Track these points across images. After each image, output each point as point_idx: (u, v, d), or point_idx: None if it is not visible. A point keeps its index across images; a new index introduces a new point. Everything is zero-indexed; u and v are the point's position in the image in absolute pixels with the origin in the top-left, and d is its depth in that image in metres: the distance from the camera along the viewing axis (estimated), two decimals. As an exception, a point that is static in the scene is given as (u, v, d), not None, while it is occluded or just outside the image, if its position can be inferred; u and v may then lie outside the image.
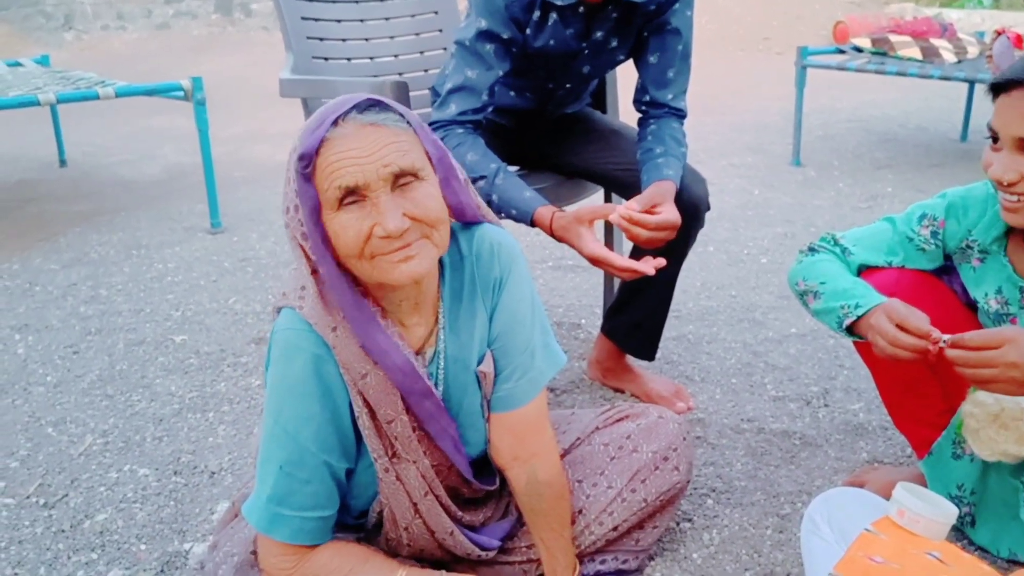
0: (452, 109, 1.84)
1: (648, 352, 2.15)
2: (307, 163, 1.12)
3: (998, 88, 1.34)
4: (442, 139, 1.81)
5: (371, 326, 1.20)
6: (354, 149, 1.11)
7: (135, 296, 2.94)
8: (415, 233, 1.15)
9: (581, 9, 1.84)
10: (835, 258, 1.57)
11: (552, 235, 1.77)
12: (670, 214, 1.72)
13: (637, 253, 1.97)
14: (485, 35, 1.81)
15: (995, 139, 1.35)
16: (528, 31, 1.85)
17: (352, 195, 1.12)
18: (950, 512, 1.28)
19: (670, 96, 1.97)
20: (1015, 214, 1.37)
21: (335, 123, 1.13)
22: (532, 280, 1.39)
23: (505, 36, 1.82)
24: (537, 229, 1.80)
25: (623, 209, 1.70)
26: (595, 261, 1.71)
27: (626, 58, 2.01)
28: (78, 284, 3.05)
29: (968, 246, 1.51)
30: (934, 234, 1.53)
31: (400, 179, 1.14)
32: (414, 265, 1.15)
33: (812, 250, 1.60)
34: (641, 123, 2.01)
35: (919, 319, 1.34)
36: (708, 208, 1.97)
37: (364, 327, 1.20)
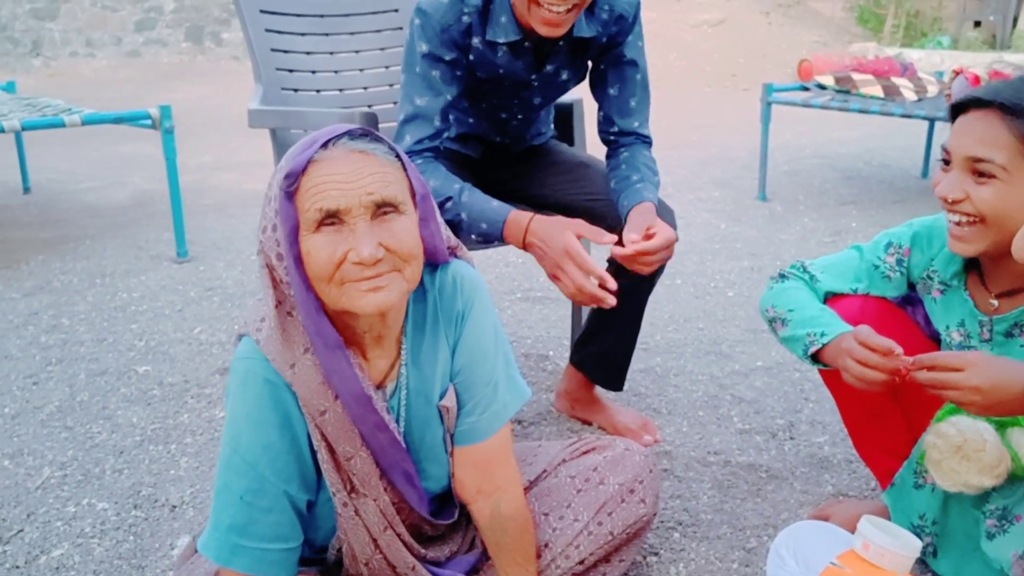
0: (407, 140, 1.83)
1: (616, 383, 2.15)
2: (292, 182, 1.13)
3: (957, 110, 1.37)
4: None
5: (334, 352, 1.19)
6: (340, 173, 1.12)
7: (98, 325, 2.90)
8: (387, 264, 1.15)
9: (527, 44, 1.86)
10: (804, 285, 1.59)
11: (525, 238, 1.71)
12: (665, 231, 1.70)
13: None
14: (429, 58, 1.81)
15: (947, 161, 1.39)
16: (471, 57, 1.85)
17: (331, 218, 1.13)
18: (914, 545, 1.29)
19: (636, 124, 1.99)
20: (960, 242, 1.39)
21: (324, 146, 1.13)
22: (495, 312, 1.39)
23: (448, 58, 1.81)
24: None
25: (628, 247, 1.67)
26: (568, 253, 1.63)
27: (576, 84, 2.04)
28: (39, 313, 3.00)
29: (929, 276, 1.54)
30: (899, 262, 1.56)
31: (380, 209, 1.15)
32: (382, 296, 1.15)
33: (782, 277, 1.62)
34: (611, 153, 2.01)
35: (888, 341, 1.35)
36: (676, 239, 1.98)
37: (327, 352, 1.19)
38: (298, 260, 1.15)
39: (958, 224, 1.38)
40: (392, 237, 1.15)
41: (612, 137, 2.01)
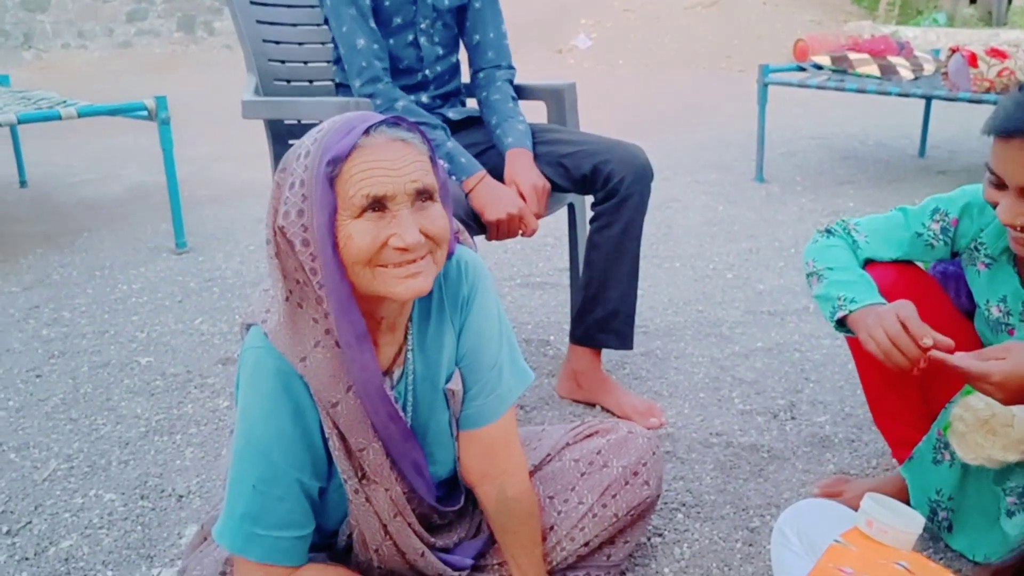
0: (360, 43, 2.06)
1: (627, 339, 2.16)
2: (335, 167, 1.13)
3: (1005, 132, 1.30)
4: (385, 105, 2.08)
5: (361, 342, 1.20)
6: (386, 160, 1.13)
7: (99, 318, 2.90)
8: (424, 249, 1.17)
9: None
10: (846, 246, 1.58)
11: (476, 186, 2.03)
12: (525, 183, 2.06)
13: (591, 246, 2.12)
14: None
15: (999, 184, 1.33)
16: None
17: (376, 204, 1.14)
18: (917, 521, 1.30)
19: (492, 34, 2.27)
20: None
21: (366, 132, 1.14)
22: (498, 297, 1.40)
23: None
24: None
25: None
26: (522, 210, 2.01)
27: None
28: (40, 306, 3.01)
29: (976, 248, 1.52)
30: (944, 230, 1.53)
31: (420, 196, 1.16)
32: (420, 282, 1.17)
33: (828, 232, 1.61)
34: (474, 84, 2.29)
35: (924, 330, 1.33)
36: (652, 177, 2.11)
37: (354, 341, 1.19)
38: (334, 246, 1.15)
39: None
40: (431, 223, 1.17)
41: (476, 57, 2.29)
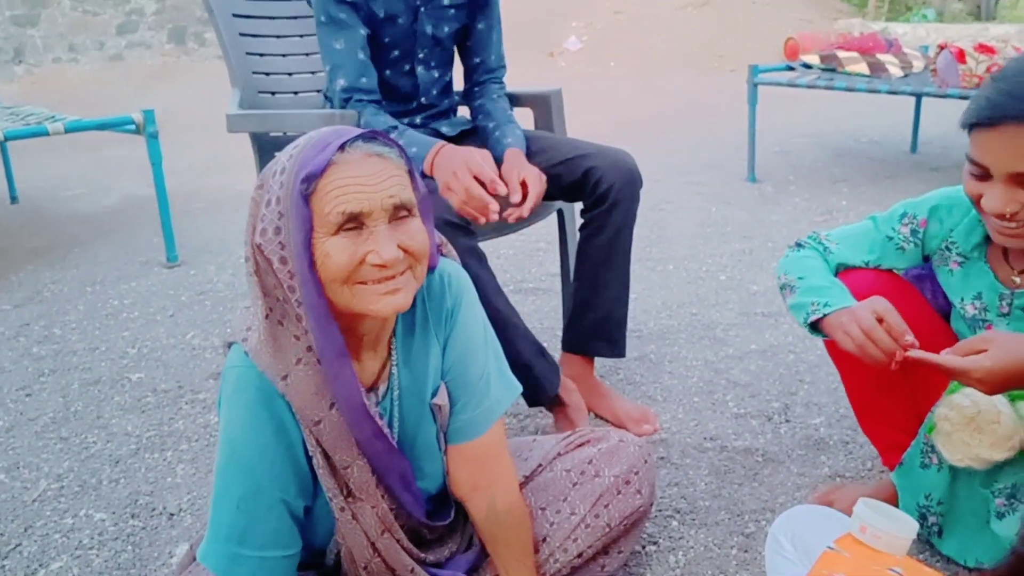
0: (340, 84, 2.01)
1: (619, 346, 2.14)
2: (310, 184, 1.12)
3: (988, 119, 1.28)
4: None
5: (340, 359, 1.18)
6: (361, 176, 1.12)
7: (90, 334, 2.88)
8: (403, 265, 1.16)
9: None
10: (818, 255, 1.59)
11: (434, 159, 1.92)
12: (531, 175, 1.94)
13: (581, 254, 2.09)
14: (332, 1, 1.98)
15: (982, 174, 1.32)
16: None
17: (352, 221, 1.12)
18: (911, 527, 1.29)
19: (492, 57, 2.26)
20: (1013, 239, 1.35)
21: (341, 148, 1.12)
22: (483, 309, 1.39)
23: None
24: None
25: (514, 212, 1.88)
26: (466, 163, 1.86)
27: (458, 22, 2.18)
28: (31, 324, 2.99)
29: (947, 248, 1.52)
30: (913, 232, 1.54)
31: (398, 212, 1.15)
32: (400, 298, 1.16)
33: (799, 246, 1.62)
34: (470, 92, 2.29)
35: (899, 320, 1.35)
36: (642, 183, 2.08)
37: (334, 360, 1.18)
38: (311, 263, 1.14)
39: (1014, 229, 1.33)
40: (410, 238, 1.16)
41: (473, 75, 2.28)
